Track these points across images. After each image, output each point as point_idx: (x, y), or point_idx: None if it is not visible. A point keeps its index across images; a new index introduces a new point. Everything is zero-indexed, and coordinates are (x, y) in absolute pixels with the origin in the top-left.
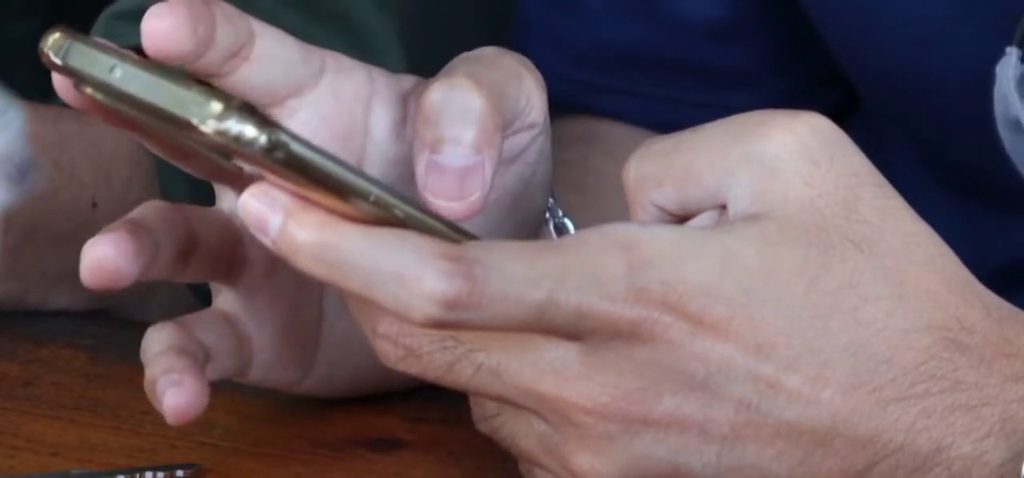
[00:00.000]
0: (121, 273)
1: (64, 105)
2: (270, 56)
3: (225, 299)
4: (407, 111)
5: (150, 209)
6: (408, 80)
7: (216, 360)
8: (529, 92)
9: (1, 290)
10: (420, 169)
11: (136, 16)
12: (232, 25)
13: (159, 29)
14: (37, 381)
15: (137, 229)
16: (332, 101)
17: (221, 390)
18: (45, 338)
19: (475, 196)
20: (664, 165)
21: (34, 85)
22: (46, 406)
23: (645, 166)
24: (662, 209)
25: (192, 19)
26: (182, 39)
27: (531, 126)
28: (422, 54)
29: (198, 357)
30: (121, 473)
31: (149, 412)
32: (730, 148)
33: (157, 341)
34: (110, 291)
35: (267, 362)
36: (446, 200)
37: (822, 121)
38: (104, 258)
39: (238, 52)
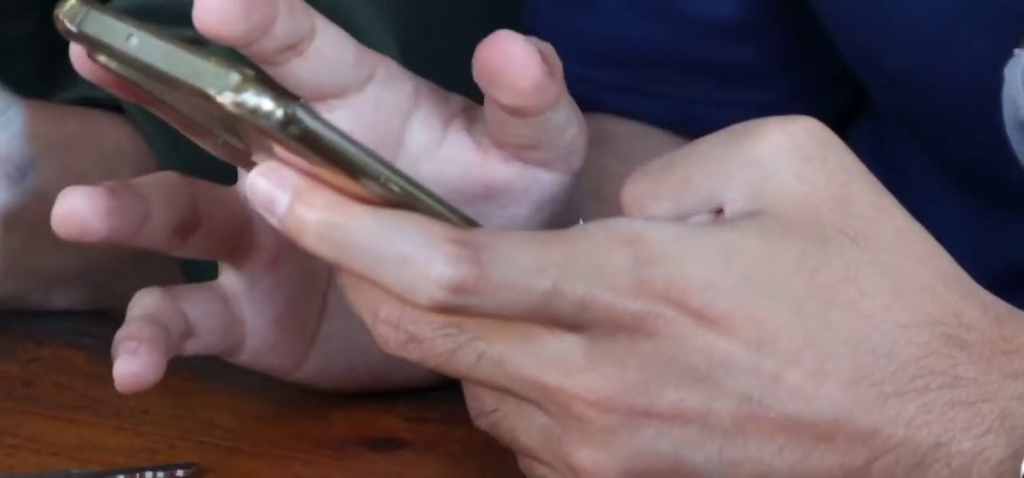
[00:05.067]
0: (88, 227)
1: (66, 103)
2: (325, 56)
3: (228, 278)
4: (447, 133)
5: (155, 178)
6: (457, 101)
7: (199, 336)
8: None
9: (3, 290)
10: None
11: (139, 16)
12: (294, 19)
13: (211, 6)
14: (37, 381)
15: (122, 191)
16: (372, 110)
17: (221, 389)
18: (45, 338)
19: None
20: (659, 181)
21: (32, 84)
22: (46, 406)
23: (641, 185)
24: None
25: (247, 3)
26: (233, 21)
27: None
28: (419, 57)
29: (172, 331)
30: (121, 472)
31: (149, 411)
32: (724, 153)
33: (139, 306)
34: (81, 244)
35: (259, 347)
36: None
37: (814, 123)
38: (75, 210)
39: (295, 46)
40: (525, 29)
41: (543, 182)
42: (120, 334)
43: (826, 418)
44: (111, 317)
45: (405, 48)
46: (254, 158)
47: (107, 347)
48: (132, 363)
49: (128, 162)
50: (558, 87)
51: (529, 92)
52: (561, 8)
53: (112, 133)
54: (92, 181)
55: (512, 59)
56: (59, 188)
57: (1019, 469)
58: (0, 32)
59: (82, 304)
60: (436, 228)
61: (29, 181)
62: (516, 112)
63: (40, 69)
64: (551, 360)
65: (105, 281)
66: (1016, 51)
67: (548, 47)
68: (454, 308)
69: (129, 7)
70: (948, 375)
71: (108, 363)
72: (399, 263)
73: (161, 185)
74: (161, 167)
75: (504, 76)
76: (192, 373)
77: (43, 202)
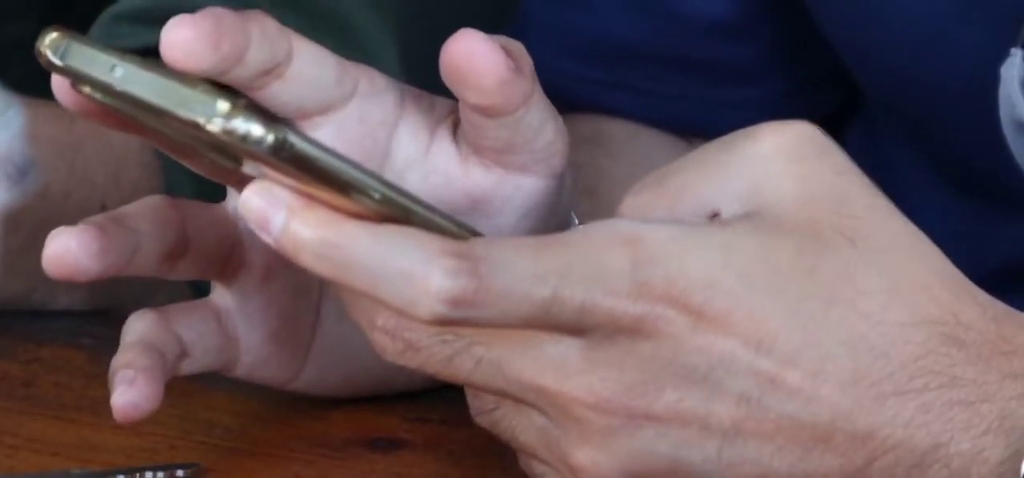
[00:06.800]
0: (79, 268)
1: None
2: (305, 77)
3: (219, 296)
4: (434, 140)
5: (144, 205)
6: (442, 107)
7: (194, 357)
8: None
9: (7, 290)
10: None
11: (137, 17)
12: (269, 44)
13: (177, 40)
14: (37, 381)
15: (111, 226)
16: (356, 124)
17: (221, 390)
18: (45, 338)
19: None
20: (657, 193)
21: (32, 85)
22: (46, 406)
23: (640, 198)
24: None
25: (215, 34)
26: (201, 55)
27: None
28: (419, 57)
29: (168, 354)
30: (121, 472)
31: None
32: (719, 159)
33: (133, 331)
34: (73, 282)
35: (254, 362)
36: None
37: (809, 126)
38: (66, 251)
39: (272, 70)
40: (518, 27)
41: (525, 189)
42: (116, 362)
43: (824, 419)
44: (111, 317)
45: (405, 48)
46: (245, 170)
47: (107, 347)
48: (129, 393)
49: (135, 164)
50: (527, 85)
51: (494, 89)
52: (554, 5)
53: (118, 134)
54: (100, 181)
55: (475, 57)
56: (67, 189)
57: (1018, 469)
58: (0, 32)
59: (82, 304)
60: (434, 242)
61: (29, 181)
62: (486, 112)
63: (41, 69)
64: (549, 363)
65: (105, 281)
66: (1013, 50)
67: (516, 45)
68: (454, 321)
69: (127, 11)
70: (946, 375)
71: (108, 363)
72: (398, 279)
73: (150, 212)
74: (164, 171)
75: (468, 74)
76: (192, 373)
77: (46, 202)
